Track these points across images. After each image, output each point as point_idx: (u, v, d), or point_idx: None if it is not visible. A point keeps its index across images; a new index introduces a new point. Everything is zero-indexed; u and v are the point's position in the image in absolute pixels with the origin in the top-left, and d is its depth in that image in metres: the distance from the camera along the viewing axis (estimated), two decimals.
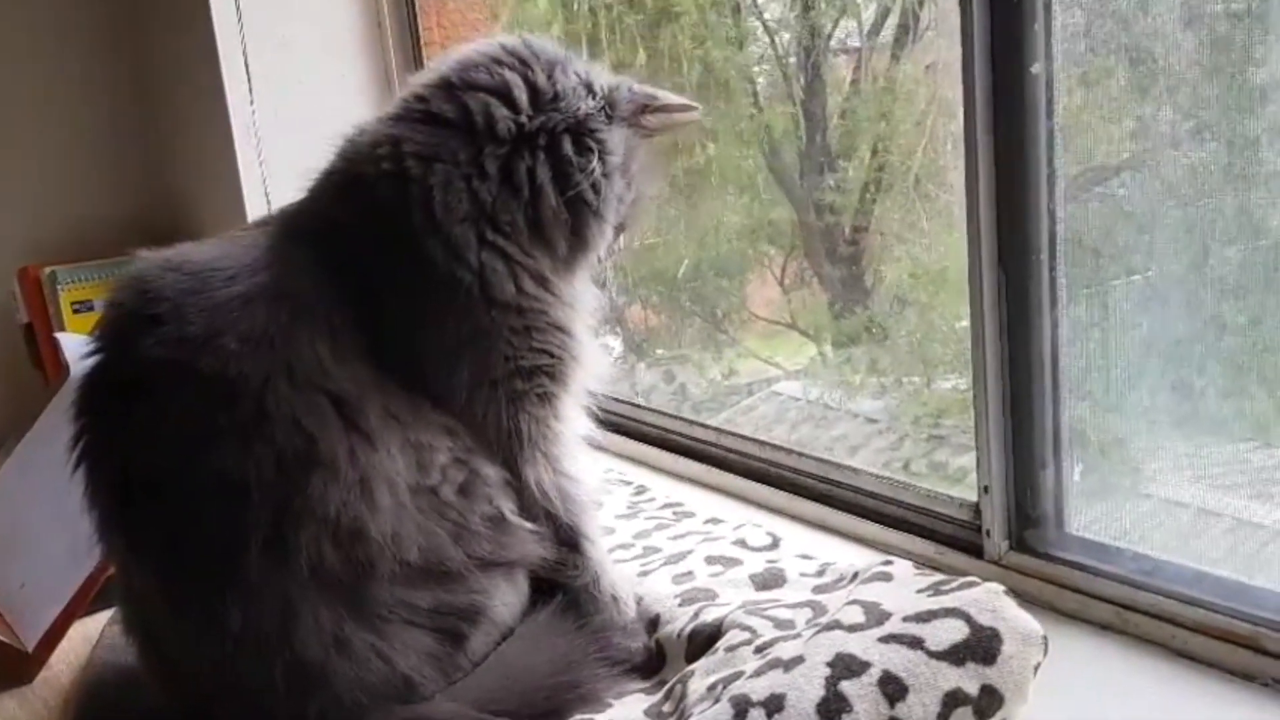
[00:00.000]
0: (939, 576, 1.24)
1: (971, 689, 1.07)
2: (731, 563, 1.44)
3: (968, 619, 1.11)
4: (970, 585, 1.17)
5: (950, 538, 1.42)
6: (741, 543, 1.49)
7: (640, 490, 1.75)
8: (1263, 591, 1.17)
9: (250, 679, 1.17)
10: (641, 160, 1.36)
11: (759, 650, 1.19)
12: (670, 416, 1.90)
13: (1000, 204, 1.27)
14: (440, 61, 1.34)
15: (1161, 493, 1.45)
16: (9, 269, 2.42)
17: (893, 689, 1.06)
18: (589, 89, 1.31)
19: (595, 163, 1.28)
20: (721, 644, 1.24)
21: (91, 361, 1.25)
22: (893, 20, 2.54)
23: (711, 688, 1.15)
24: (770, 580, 1.38)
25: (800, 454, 1.65)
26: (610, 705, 1.24)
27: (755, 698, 1.07)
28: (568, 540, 1.34)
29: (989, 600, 1.14)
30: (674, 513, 1.64)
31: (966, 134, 1.27)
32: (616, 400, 1.94)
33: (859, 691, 1.06)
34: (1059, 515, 1.33)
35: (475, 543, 1.26)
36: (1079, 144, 1.32)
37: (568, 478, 1.35)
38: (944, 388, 2.59)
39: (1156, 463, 1.44)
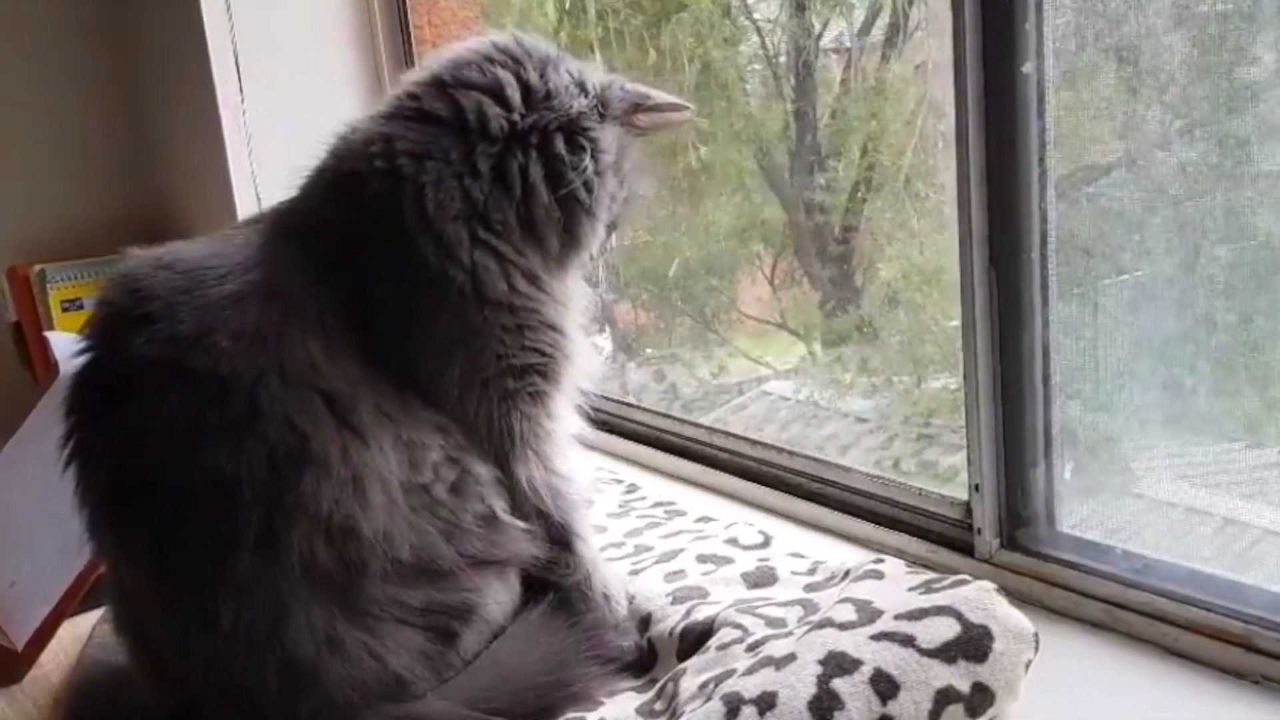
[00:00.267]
0: (930, 574, 1.24)
1: (963, 686, 1.07)
2: (723, 561, 1.44)
3: (959, 617, 1.11)
4: (961, 583, 1.18)
5: (941, 536, 1.43)
6: (733, 541, 1.49)
7: (631, 489, 1.75)
8: (1254, 589, 1.17)
9: (242, 677, 1.17)
10: (634, 159, 1.36)
11: (751, 648, 1.19)
12: (661, 415, 1.90)
13: (992, 203, 1.28)
14: (433, 59, 1.34)
15: (1151, 492, 1.46)
16: None
17: (884, 687, 1.06)
18: (581, 87, 1.31)
19: (588, 161, 1.28)
20: (713, 642, 1.24)
21: (82, 360, 1.24)
22: (883, 20, 2.55)
23: (703, 686, 1.15)
24: (762, 578, 1.38)
25: (791, 453, 1.65)
26: (602, 703, 1.24)
27: (747, 696, 1.08)
28: (559, 539, 1.34)
29: (980, 598, 1.14)
30: (665, 511, 1.64)
31: (958, 133, 1.27)
32: (607, 399, 1.93)
33: (851, 689, 1.06)
34: (1050, 513, 1.34)
35: (467, 541, 1.26)
36: (1070, 143, 1.33)
37: (559, 476, 1.35)
38: (934, 387, 2.60)
39: (1146, 462, 1.45)
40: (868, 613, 1.16)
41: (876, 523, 1.50)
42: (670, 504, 1.67)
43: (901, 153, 2.48)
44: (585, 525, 1.38)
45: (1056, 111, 1.26)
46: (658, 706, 1.21)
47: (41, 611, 1.56)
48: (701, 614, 1.30)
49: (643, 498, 1.71)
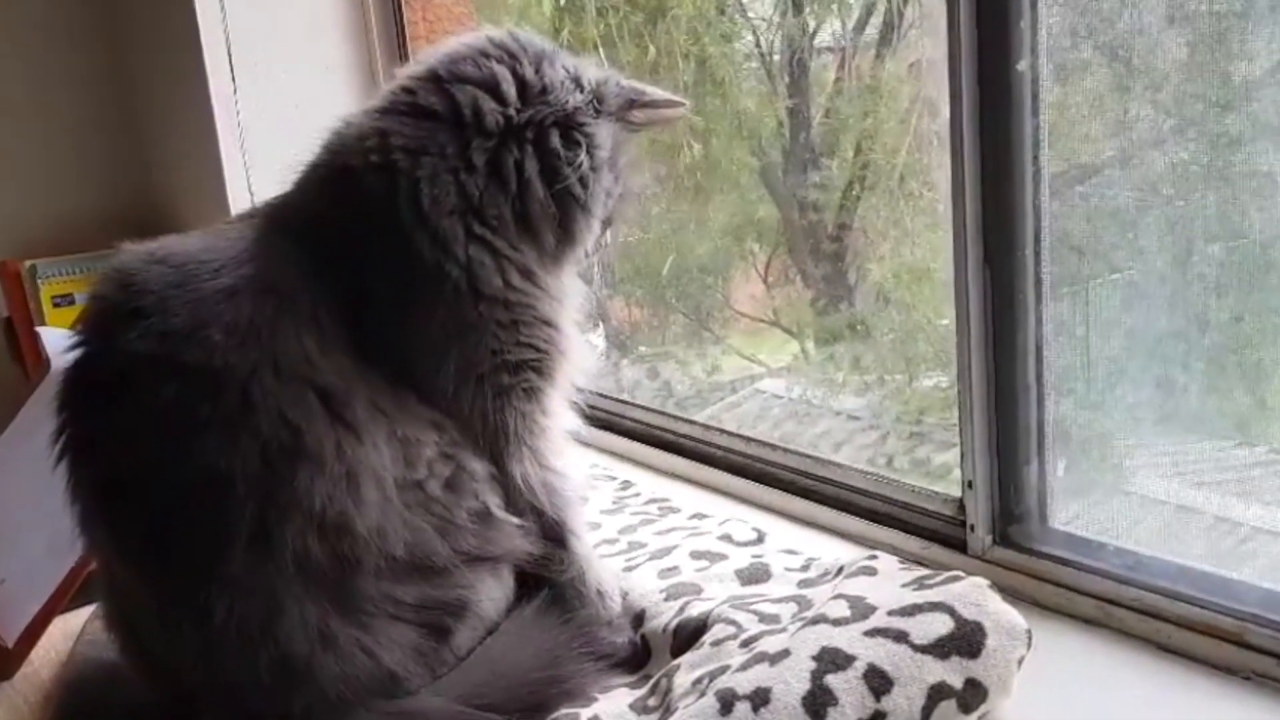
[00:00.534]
0: (923, 571, 1.24)
1: (956, 682, 1.07)
2: (717, 558, 1.44)
3: (952, 613, 1.12)
4: (955, 579, 1.18)
5: (934, 533, 1.43)
6: (727, 538, 1.49)
7: (625, 485, 1.75)
8: (1246, 586, 1.18)
9: (234, 673, 1.16)
10: (629, 155, 1.36)
11: (745, 644, 1.19)
12: (655, 412, 1.90)
13: (986, 200, 1.28)
14: (428, 54, 1.34)
15: (1143, 490, 1.46)
16: None
17: (878, 682, 1.07)
18: (577, 83, 1.31)
19: (583, 156, 1.28)
20: (707, 638, 1.24)
21: (74, 355, 1.24)
22: (877, 19, 2.55)
23: (697, 681, 1.15)
24: (756, 575, 1.38)
25: (785, 449, 1.65)
26: (596, 700, 1.24)
27: (741, 691, 1.08)
28: (554, 535, 1.34)
29: (973, 594, 1.14)
30: (659, 508, 1.64)
31: (952, 130, 1.27)
32: (601, 396, 1.94)
33: (844, 685, 1.07)
34: (1043, 510, 1.34)
35: (461, 537, 1.25)
36: (1063, 141, 1.33)
37: (554, 472, 1.35)
38: (926, 385, 2.61)
39: (1138, 460, 1.45)
40: (861, 609, 1.16)
41: (870, 519, 1.50)
42: (664, 501, 1.67)
43: (896, 151, 2.49)
44: (579, 522, 1.38)
45: (1050, 110, 1.27)
46: (651, 702, 1.21)
47: (32, 608, 1.55)
48: (695, 610, 1.30)
49: (636, 494, 1.71)
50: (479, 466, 1.29)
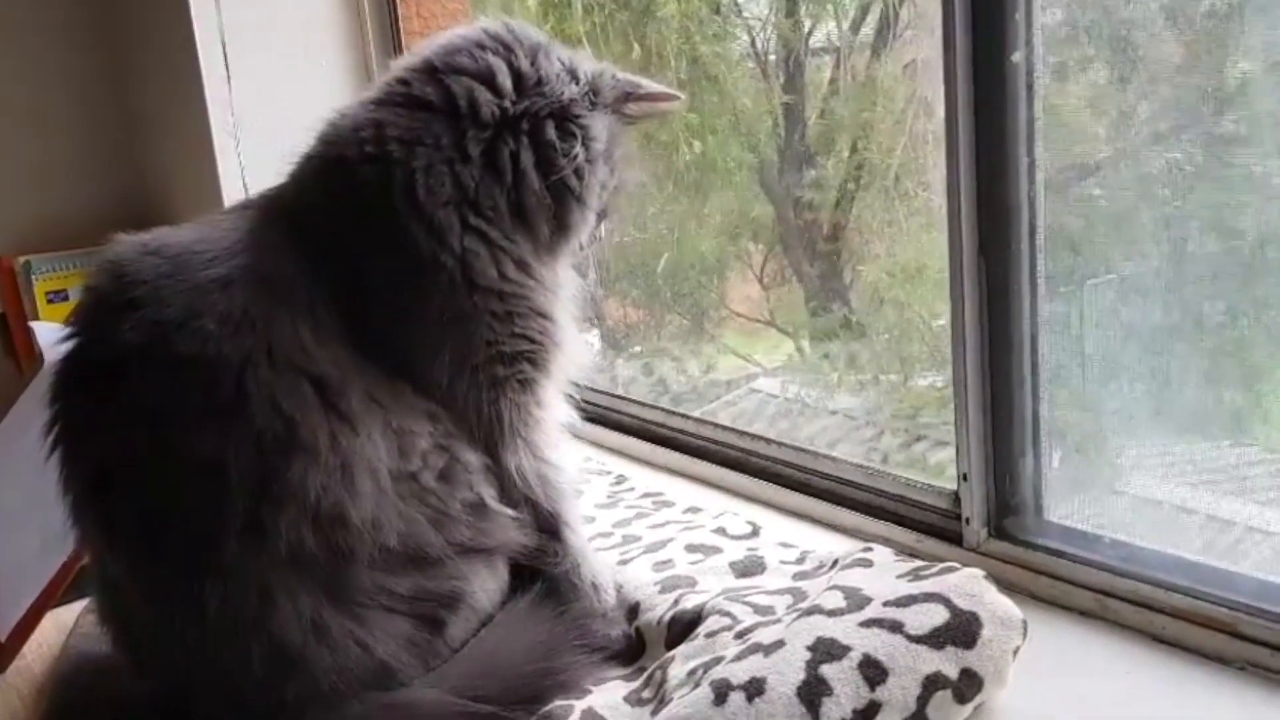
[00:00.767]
0: (919, 563, 1.24)
1: (951, 672, 1.07)
2: (711, 550, 1.43)
3: (947, 603, 1.11)
4: (950, 570, 1.18)
5: (929, 526, 1.43)
6: (721, 531, 1.49)
7: (620, 480, 1.75)
8: (1241, 577, 1.18)
9: (227, 665, 1.16)
10: (624, 147, 1.36)
11: (739, 636, 1.19)
12: (649, 407, 1.90)
13: (981, 192, 1.28)
14: (424, 46, 1.34)
15: (1136, 490, 1.46)
16: None
17: (873, 672, 1.06)
18: (573, 75, 1.31)
19: (579, 148, 1.28)
20: (702, 630, 1.23)
21: (67, 346, 1.23)
22: (873, 19, 2.55)
23: (691, 673, 1.15)
24: (750, 567, 1.38)
25: (780, 443, 1.65)
26: (590, 692, 1.24)
27: (735, 681, 1.07)
28: (548, 527, 1.34)
29: (969, 585, 1.14)
30: (653, 502, 1.64)
31: (948, 122, 1.27)
32: (595, 391, 1.94)
33: (839, 675, 1.06)
34: (1038, 503, 1.34)
35: (455, 529, 1.25)
36: (1058, 135, 1.33)
37: (549, 464, 1.35)
38: (921, 385, 2.61)
39: (1132, 459, 1.45)
40: (856, 600, 1.16)
41: (865, 513, 1.50)
42: (658, 495, 1.67)
43: (891, 151, 2.48)
44: (574, 514, 1.37)
45: (1045, 102, 1.27)
46: (646, 694, 1.21)
47: (24, 603, 1.55)
48: (690, 603, 1.29)
49: (631, 489, 1.71)
50: (473, 458, 1.28)
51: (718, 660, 1.14)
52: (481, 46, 1.30)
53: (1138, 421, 1.43)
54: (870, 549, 1.31)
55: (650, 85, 1.35)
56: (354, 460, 1.18)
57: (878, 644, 1.09)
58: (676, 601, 1.31)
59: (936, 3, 1.28)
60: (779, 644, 1.11)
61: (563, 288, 1.35)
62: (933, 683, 1.07)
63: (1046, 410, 1.32)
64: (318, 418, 1.17)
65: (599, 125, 1.31)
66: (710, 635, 1.21)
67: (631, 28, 2.58)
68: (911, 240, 2.47)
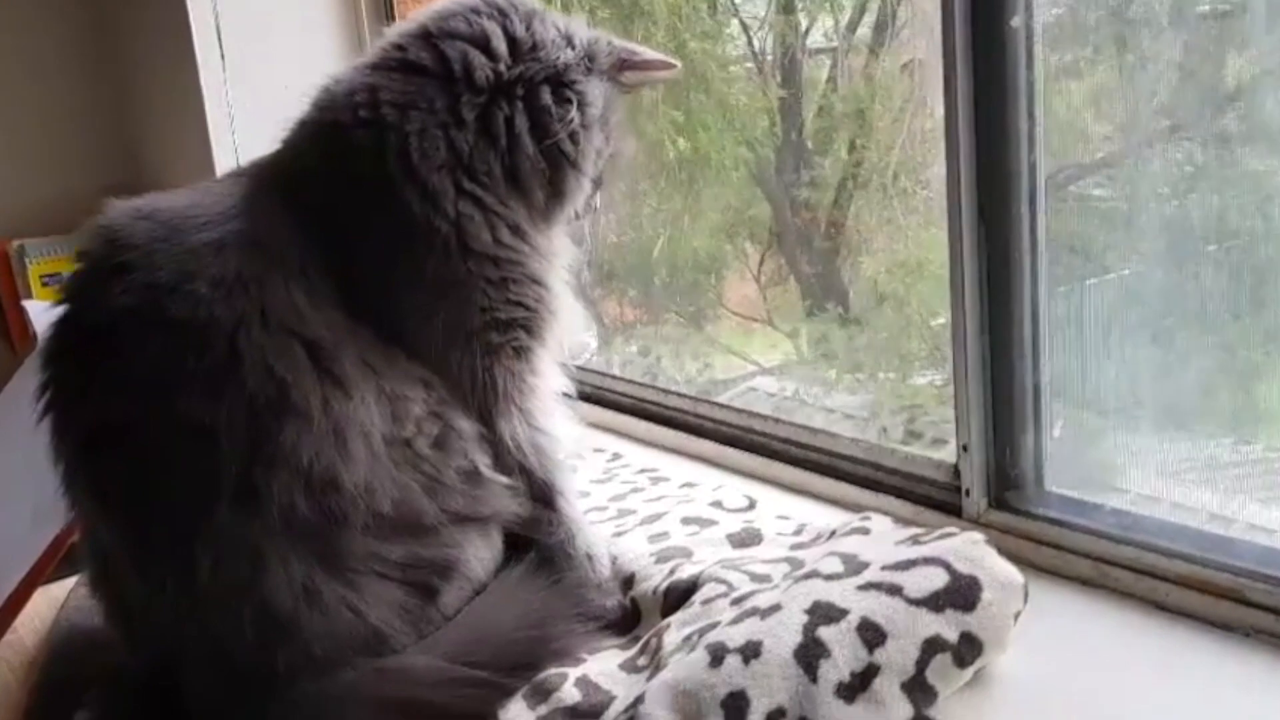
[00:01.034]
0: (918, 529, 1.23)
1: (951, 636, 1.06)
2: (708, 523, 1.42)
3: (947, 567, 1.10)
4: (949, 535, 1.16)
5: (929, 499, 1.41)
6: (718, 504, 1.48)
7: (615, 457, 1.74)
8: (1243, 543, 1.17)
9: (218, 630, 1.15)
10: (619, 115, 1.35)
11: (736, 602, 1.18)
12: (644, 385, 1.89)
13: (980, 156, 1.26)
14: (419, 12, 1.33)
15: (1136, 487, 1.44)
16: None
17: (871, 635, 1.05)
18: (568, 41, 1.30)
19: (574, 113, 1.27)
20: (697, 597, 1.22)
21: (59, 312, 1.22)
22: (869, 18, 2.55)
23: (687, 638, 1.14)
24: (747, 539, 1.37)
25: (776, 419, 1.64)
26: (584, 660, 1.22)
27: (732, 644, 1.06)
28: (543, 496, 1.33)
29: (968, 549, 1.13)
30: (649, 478, 1.63)
31: (946, 84, 1.26)
32: (589, 371, 1.93)
33: (837, 637, 1.05)
34: (1038, 473, 1.33)
35: (449, 496, 1.24)
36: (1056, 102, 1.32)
37: (543, 433, 1.34)
38: (920, 382, 2.60)
39: (1131, 457, 1.43)
40: (854, 565, 1.15)
41: (863, 486, 1.48)
42: (654, 471, 1.66)
43: (889, 149, 2.48)
44: (569, 483, 1.37)
45: (1043, 67, 1.26)
46: (641, 662, 1.19)
47: (15, 577, 1.54)
48: (686, 572, 1.28)
49: (626, 465, 1.70)
50: (468, 426, 1.27)
51: (713, 625, 1.13)
52: (476, 11, 1.29)
53: (1139, 420, 1.41)
54: (868, 517, 1.30)
55: (647, 52, 1.35)
56: (346, 424, 1.17)
57: (876, 607, 1.07)
58: (672, 571, 1.30)
59: (935, 2, 1.27)
60: (776, 608, 1.10)
61: (558, 256, 1.34)
62: (932, 646, 1.05)
63: (1048, 378, 1.31)
64: (310, 381, 1.16)
65: (595, 91, 1.30)
66: (706, 602, 1.20)
67: (619, 23, 2.57)
68: (911, 238, 2.47)
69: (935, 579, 1.09)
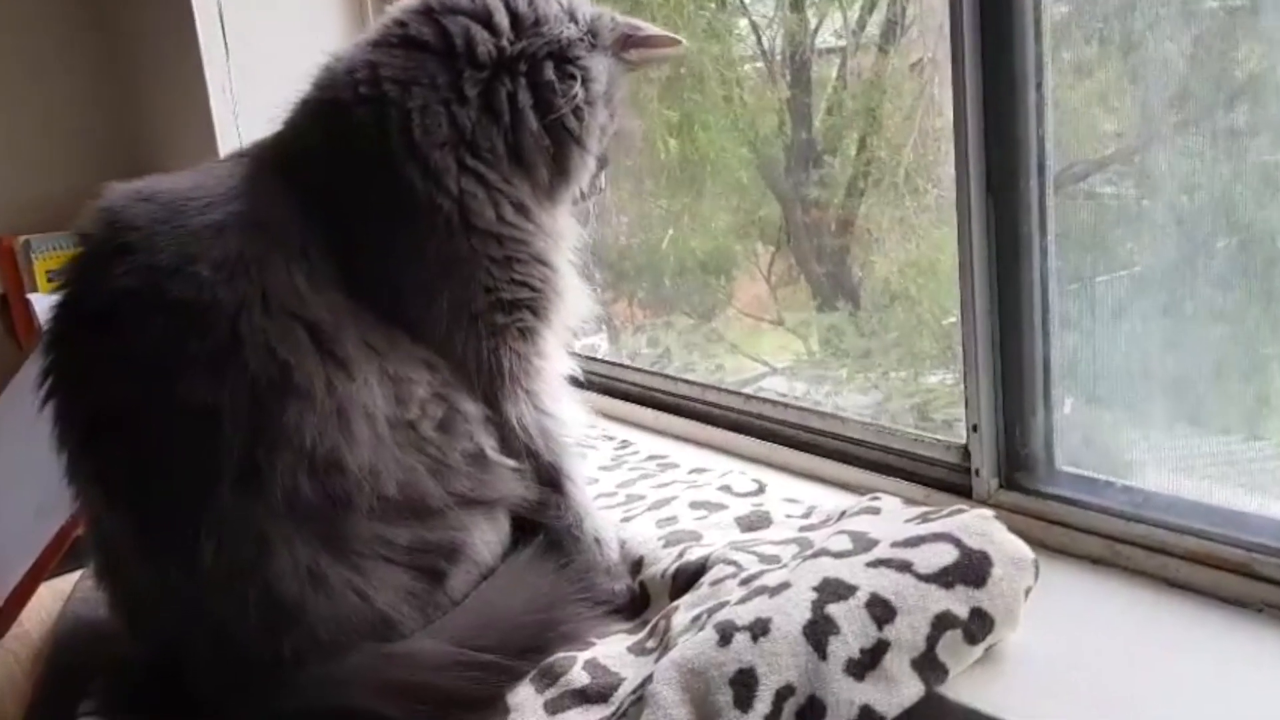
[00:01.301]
0: (927, 508, 1.22)
1: (961, 611, 1.04)
2: (716, 507, 1.41)
3: (957, 543, 1.09)
4: (958, 512, 1.15)
5: (938, 480, 1.40)
6: (726, 489, 1.46)
7: (624, 444, 1.72)
8: (1255, 518, 1.15)
9: (222, 616, 1.14)
10: (624, 92, 1.34)
11: (744, 583, 1.16)
12: (652, 374, 1.88)
13: (989, 127, 1.25)
14: None
15: (1149, 485, 1.43)
16: None
17: (881, 611, 1.04)
18: (571, 15, 1.29)
19: (578, 88, 1.26)
20: (706, 579, 1.21)
21: (60, 295, 1.22)
22: (878, 17, 2.54)
23: (696, 619, 1.13)
24: (756, 522, 1.36)
25: (785, 404, 1.63)
26: (593, 644, 1.21)
27: (740, 622, 1.05)
28: (550, 480, 1.32)
29: (978, 525, 1.11)
30: (658, 464, 1.62)
31: (954, 55, 1.24)
32: (597, 360, 1.92)
33: (846, 614, 1.04)
34: (1049, 452, 1.31)
35: (455, 479, 1.23)
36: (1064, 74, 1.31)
37: (549, 416, 1.33)
38: (931, 381, 2.58)
39: (1143, 454, 1.42)
40: (863, 542, 1.14)
41: (873, 469, 1.47)
42: (663, 457, 1.65)
43: (900, 148, 2.46)
44: (576, 467, 1.35)
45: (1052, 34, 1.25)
46: (650, 644, 1.18)
47: (20, 570, 1.53)
48: (694, 555, 1.27)
49: (635, 452, 1.69)
50: (473, 408, 1.26)
51: (722, 605, 1.11)
52: None
53: (1150, 415, 1.40)
54: (878, 498, 1.29)
55: (650, 28, 1.33)
56: (350, 405, 1.16)
57: (885, 583, 1.06)
58: (681, 554, 1.28)
59: (943, 1, 1.26)
60: (784, 585, 1.08)
61: (563, 236, 1.33)
62: (942, 622, 1.04)
63: (1058, 356, 1.30)
64: (313, 362, 1.15)
65: (598, 66, 1.29)
66: (715, 584, 1.19)
67: None
68: (923, 237, 2.45)
69: (945, 555, 1.08)
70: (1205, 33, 1.24)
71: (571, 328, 1.36)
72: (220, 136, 2.22)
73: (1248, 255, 1.25)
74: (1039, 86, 1.23)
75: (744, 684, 1.01)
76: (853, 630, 1.03)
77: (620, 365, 1.94)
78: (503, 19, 1.26)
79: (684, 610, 1.17)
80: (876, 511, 1.24)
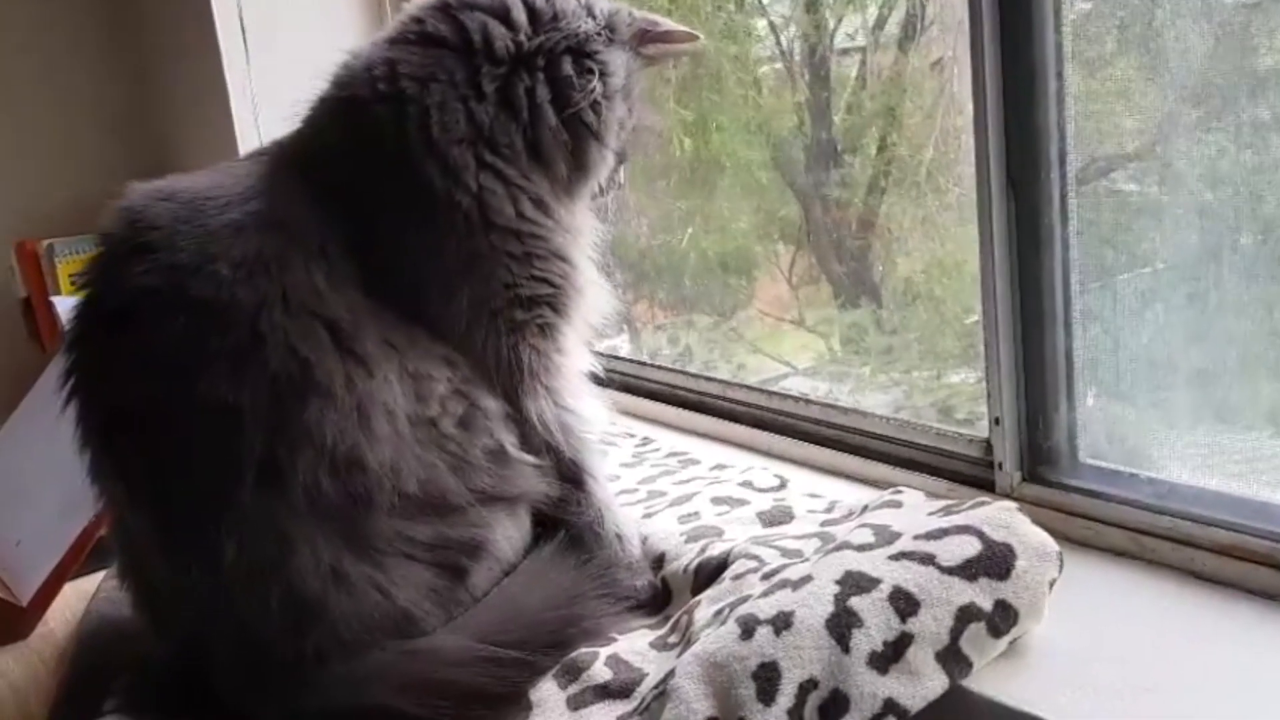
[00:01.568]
0: (949, 501, 1.21)
1: (985, 604, 1.04)
2: (738, 503, 1.41)
3: (980, 535, 1.08)
4: (981, 504, 1.15)
5: (961, 474, 1.39)
6: (748, 484, 1.46)
7: (645, 441, 1.72)
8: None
9: (245, 614, 1.14)
10: (642, 87, 1.34)
11: (766, 577, 1.16)
12: (674, 371, 1.88)
13: (1009, 116, 1.25)
14: None
15: (1174, 480, 1.42)
16: (6, 243, 2.41)
17: (904, 604, 1.03)
18: (589, 10, 1.29)
19: (596, 83, 1.26)
20: (728, 574, 1.20)
21: (82, 295, 1.22)
22: (898, 16, 2.53)
23: (718, 613, 1.12)
24: (778, 517, 1.35)
25: (807, 401, 1.63)
26: (615, 639, 1.21)
27: (763, 616, 1.04)
28: (571, 476, 1.32)
29: (1002, 517, 1.10)
30: (679, 461, 1.62)
31: (973, 37, 1.24)
32: (618, 358, 1.91)
33: (869, 607, 1.03)
34: (1072, 444, 1.30)
35: (476, 476, 1.23)
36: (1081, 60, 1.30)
37: (570, 412, 1.32)
38: (954, 380, 2.57)
39: (1169, 451, 1.41)
40: (886, 536, 1.13)
41: (895, 464, 1.46)
42: (684, 454, 1.64)
43: (921, 147, 2.45)
44: (597, 463, 1.35)
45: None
46: (672, 639, 1.18)
47: (45, 569, 1.55)
48: (716, 550, 1.26)
49: (656, 449, 1.69)
50: (493, 404, 1.26)
51: (744, 599, 1.11)
52: None
53: (1175, 413, 1.39)
54: (900, 491, 1.28)
55: (668, 23, 1.33)
56: (370, 402, 1.16)
57: (908, 576, 1.05)
58: (703, 550, 1.28)
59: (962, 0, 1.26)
60: (806, 579, 1.08)
61: (582, 232, 1.33)
62: (966, 614, 1.03)
63: (1080, 347, 1.29)
64: (333, 360, 1.15)
65: (616, 61, 1.29)
66: (737, 578, 1.19)
67: None
68: (945, 235, 2.44)
69: (968, 547, 1.07)
70: (1226, 24, 1.23)
71: (592, 324, 1.36)
72: (240, 136, 2.23)
73: (1273, 249, 1.24)
74: (1059, 75, 1.22)
75: (767, 677, 1.00)
76: (876, 623, 1.02)
77: (641, 363, 1.93)
78: (520, 14, 1.26)
79: (706, 605, 1.17)
80: (899, 505, 1.24)
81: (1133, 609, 1.14)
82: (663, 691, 1.03)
